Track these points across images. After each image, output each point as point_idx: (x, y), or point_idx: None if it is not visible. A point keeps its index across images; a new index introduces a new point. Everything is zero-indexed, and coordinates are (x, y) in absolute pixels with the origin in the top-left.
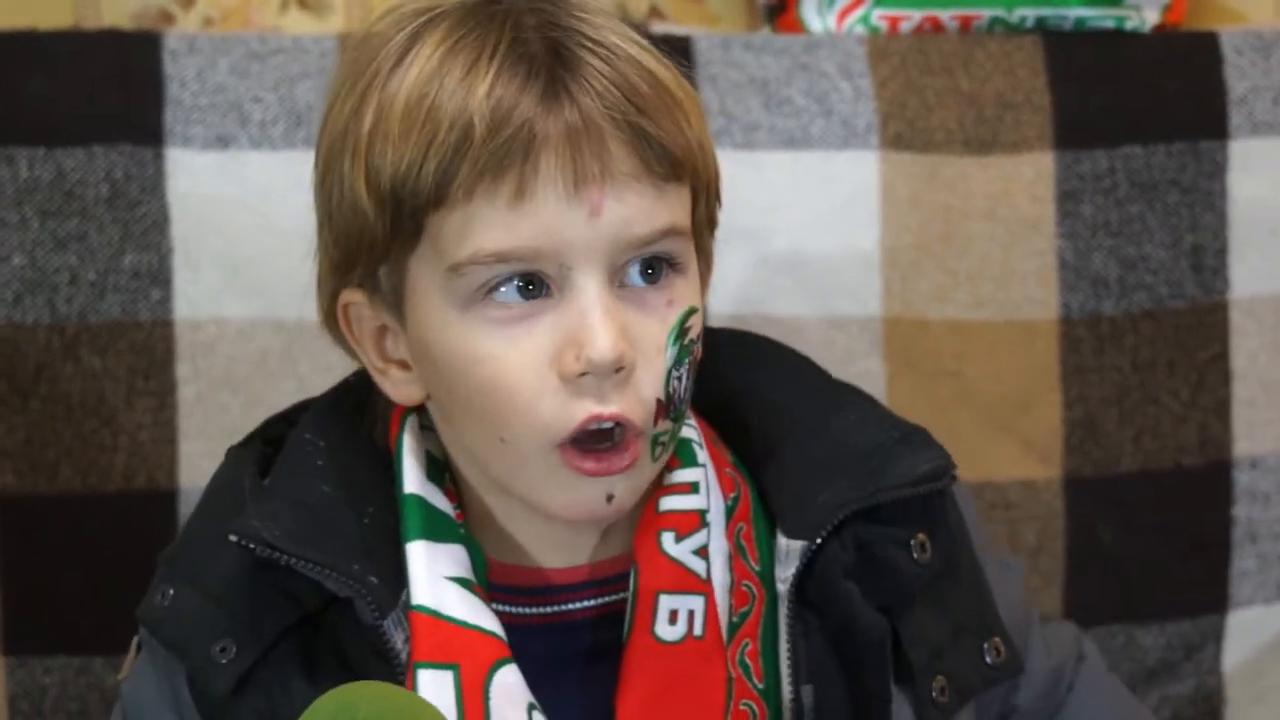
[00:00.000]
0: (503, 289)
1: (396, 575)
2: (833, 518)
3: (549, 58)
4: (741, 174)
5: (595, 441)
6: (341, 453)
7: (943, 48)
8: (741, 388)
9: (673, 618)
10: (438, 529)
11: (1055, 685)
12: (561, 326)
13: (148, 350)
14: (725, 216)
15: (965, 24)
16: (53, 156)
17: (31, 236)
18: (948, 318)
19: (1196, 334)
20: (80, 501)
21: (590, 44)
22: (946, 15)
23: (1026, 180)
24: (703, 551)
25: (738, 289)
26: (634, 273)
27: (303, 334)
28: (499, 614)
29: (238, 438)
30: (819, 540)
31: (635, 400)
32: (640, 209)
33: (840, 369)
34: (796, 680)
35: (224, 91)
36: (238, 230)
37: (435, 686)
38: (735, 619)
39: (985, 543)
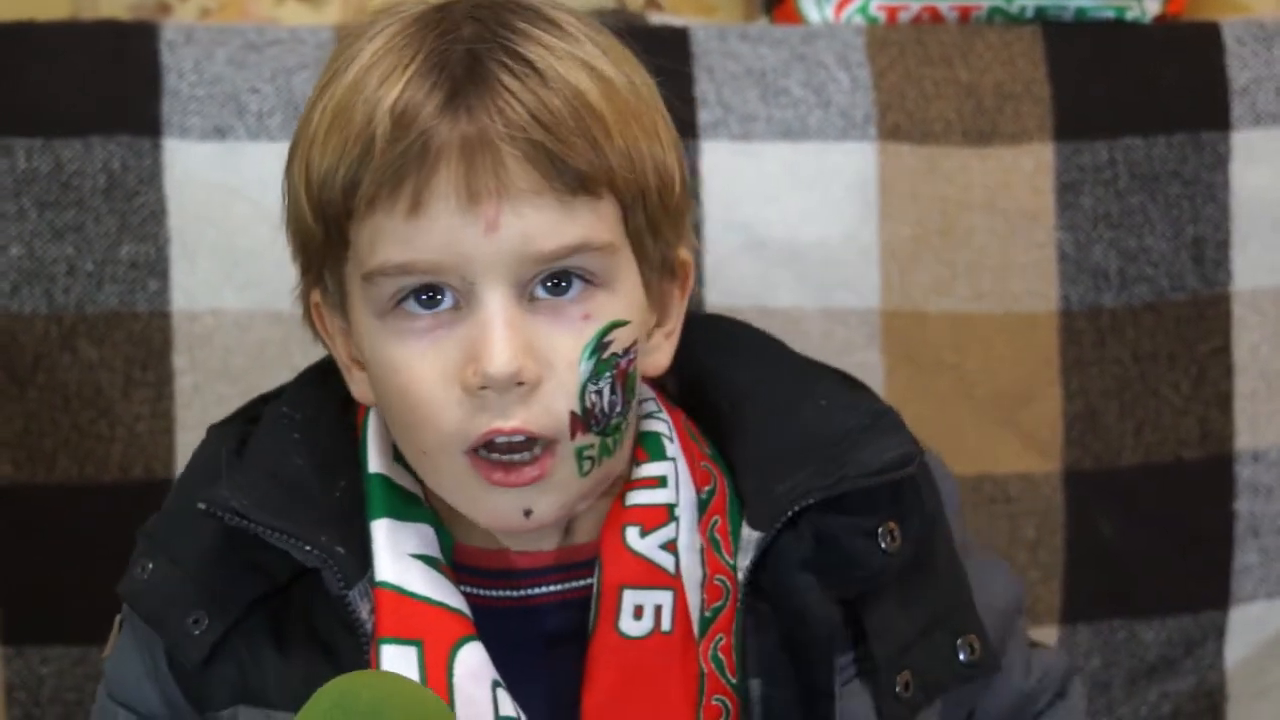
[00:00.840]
0: (409, 300)
1: (364, 548)
2: (788, 509)
3: (459, 70)
4: (739, 165)
5: (506, 452)
6: (316, 427)
7: (941, 38)
8: (712, 372)
9: (638, 613)
10: (402, 508)
11: (1022, 709)
12: (465, 339)
13: (145, 341)
14: (723, 209)
15: (964, 14)
16: (50, 147)
17: (29, 227)
18: (947, 310)
19: (1198, 326)
20: (77, 492)
21: (510, 60)
22: (945, 5)
23: (1026, 172)
24: (670, 546)
25: (735, 281)
26: (540, 286)
27: (300, 326)
28: (465, 595)
29: None
30: (775, 531)
31: (542, 413)
32: (542, 224)
33: (838, 361)
34: (744, 673)
35: (221, 82)
36: (235, 221)
37: (399, 662)
38: (708, 614)
39: (969, 539)
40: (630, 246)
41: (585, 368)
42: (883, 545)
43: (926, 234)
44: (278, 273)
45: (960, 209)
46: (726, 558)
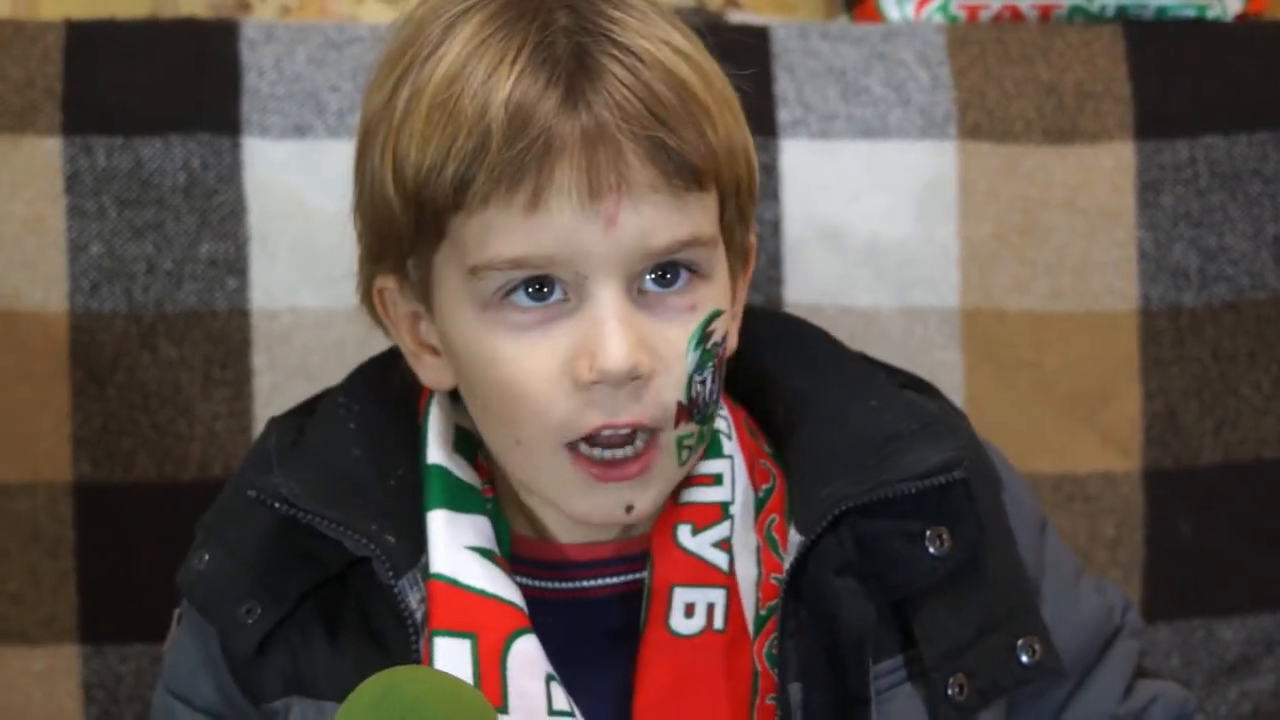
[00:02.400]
0: (518, 293)
1: (417, 539)
2: (828, 513)
3: (572, 63)
4: (819, 164)
5: (609, 446)
6: (374, 417)
7: (1022, 37)
8: (767, 373)
9: (689, 610)
10: (460, 499)
11: None
12: (577, 333)
13: (224, 339)
14: (802, 207)
15: (1045, 13)
16: (130, 146)
17: (109, 225)
18: (1027, 309)
19: (1278, 326)
20: (156, 490)
21: (616, 50)
22: (1026, 4)
23: (1106, 170)
24: (724, 544)
25: (815, 280)
26: (649, 279)
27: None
28: (520, 587)
29: None
30: (815, 535)
31: (653, 405)
32: (658, 220)
33: (918, 360)
34: (784, 677)
35: (301, 81)
36: (314, 220)
37: (453, 655)
38: (763, 612)
39: (1062, 559)
40: (722, 237)
41: (692, 358)
42: (931, 549)
43: (1006, 233)
44: (356, 271)
45: (1040, 208)
46: (783, 556)
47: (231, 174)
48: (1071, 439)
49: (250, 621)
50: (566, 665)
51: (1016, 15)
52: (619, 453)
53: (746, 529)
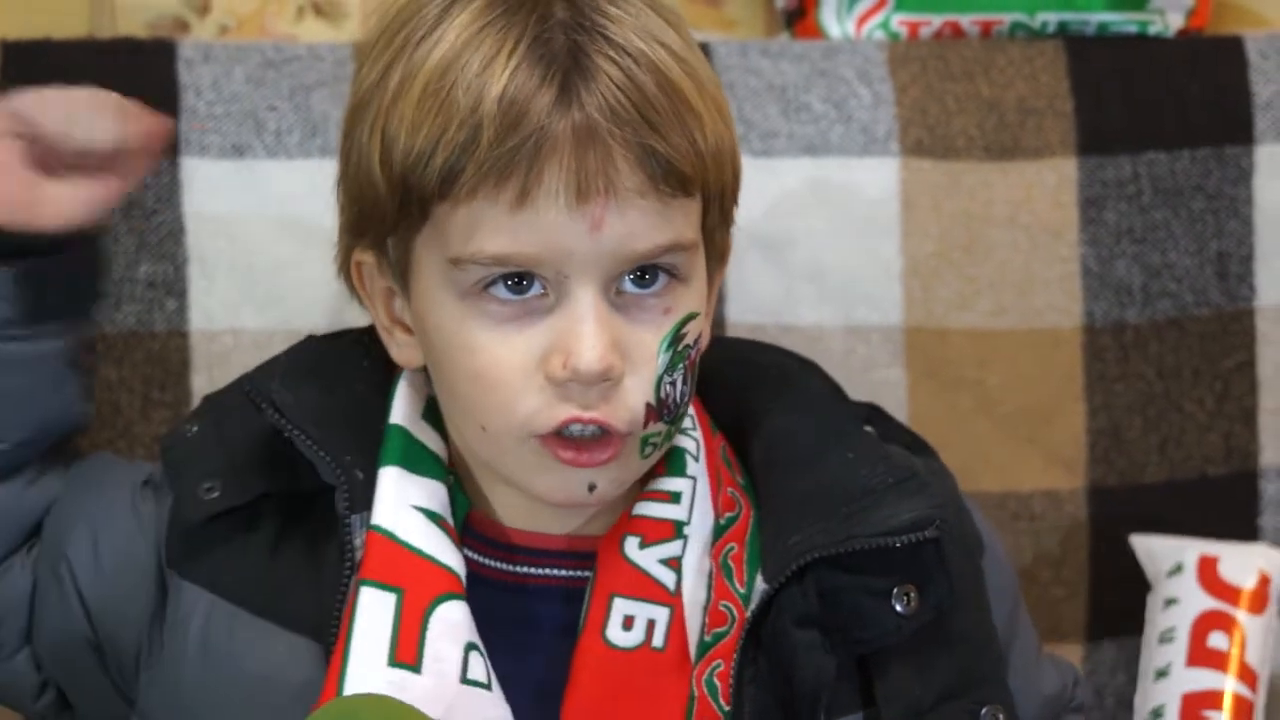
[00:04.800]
0: (498, 285)
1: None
2: (795, 561)
3: (568, 60)
4: (760, 181)
5: (575, 435)
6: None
7: (963, 53)
8: (751, 408)
9: (627, 623)
10: (416, 461)
11: None
12: (554, 330)
13: (163, 360)
14: (744, 225)
15: (986, 29)
16: None
17: None
18: (969, 326)
19: (1222, 342)
20: None
21: (612, 50)
22: (967, 20)
23: (1049, 187)
24: (673, 563)
25: (758, 298)
26: (628, 280)
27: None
28: (465, 560)
29: None
30: (779, 583)
31: (621, 406)
32: (642, 225)
33: (861, 378)
34: (740, 716)
35: (239, 100)
36: (254, 240)
37: (376, 606)
38: (708, 638)
39: (1027, 625)
40: (703, 240)
41: (663, 360)
42: (898, 607)
43: (949, 250)
44: (297, 291)
45: (983, 224)
46: (737, 586)
47: (170, 194)
48: (1015, 457)
49: (206, 498)
50: (498, 645)
51: (957, 32)
52: (591, 430)
53: (700, 552)
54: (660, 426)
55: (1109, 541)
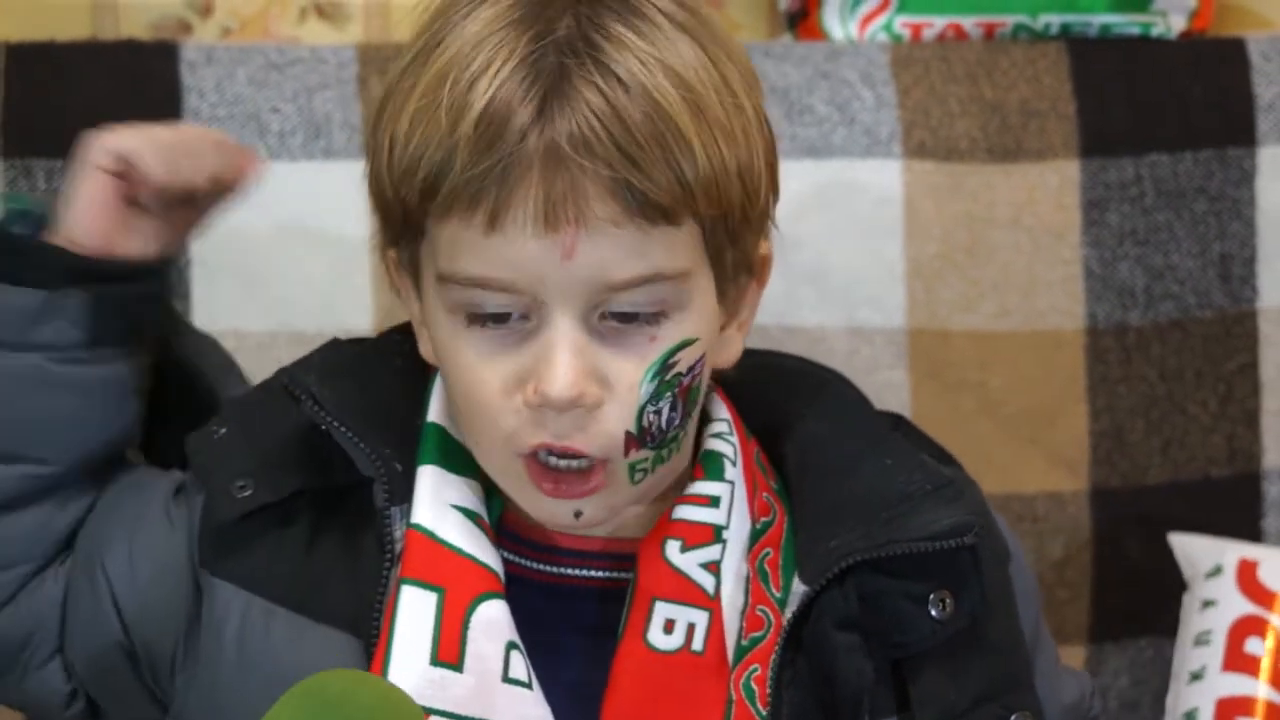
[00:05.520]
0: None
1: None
2: (836, 565)
3: (549, 82)
4: None
5: (561, 456)
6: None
7: (966, 55)
8: (786, 420)
9: (668, 627)
10: (453, 461)
11: None
12: (531, 354)
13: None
14: None
15: (989, 31)
16: (70, 168)
17: None
18: (972, 328)
19: (1224, 344)
20: None
21: (599, 75)
22: (970, 22)
23: (1052, 189)
24: (712, 567)
25: (761, 300)
26: (611, 308)
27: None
28: (504, 560)
29: None
30: (820, 586)
31: (598, 434)
32: (618, 255)
33: (864, 380)
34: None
35: (242, 102)
36: (257, 242)
37: (418, 605)
38: (745, 642)
39: (1047, 635)
40: (709, 263)
41: (647, 389)
42: (933, 613)
43: (951, 251)
44: (300, 293)
45: (985, 226)
46: (773, 591)
47: None
48: (1018, 458)
49: (239, 496)
50: (538, 645)
51: (960, 34)
52: (568, 464)
53: (739, 556)
54: (646, 453)
55: (1112, 543)
